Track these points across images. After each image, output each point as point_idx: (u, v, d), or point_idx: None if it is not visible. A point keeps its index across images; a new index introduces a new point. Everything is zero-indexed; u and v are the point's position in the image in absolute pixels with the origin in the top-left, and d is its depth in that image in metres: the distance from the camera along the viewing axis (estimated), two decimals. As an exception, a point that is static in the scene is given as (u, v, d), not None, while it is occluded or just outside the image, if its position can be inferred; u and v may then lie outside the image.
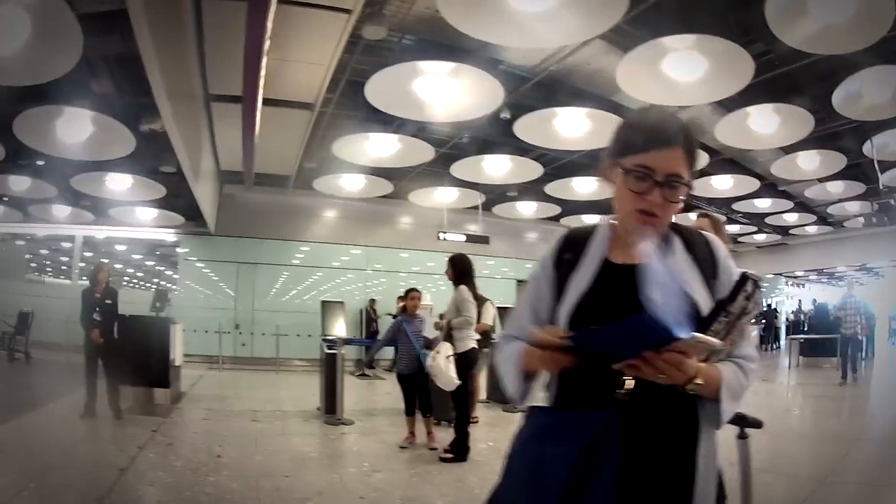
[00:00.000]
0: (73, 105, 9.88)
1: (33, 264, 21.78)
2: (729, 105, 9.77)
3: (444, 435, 7.51)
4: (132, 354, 9.09)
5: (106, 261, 16.42)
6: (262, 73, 7.59)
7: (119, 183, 14.08)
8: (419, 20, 8.42)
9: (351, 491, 5.72)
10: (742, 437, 3.40)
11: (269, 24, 6.42)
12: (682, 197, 1.66)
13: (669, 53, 7.65)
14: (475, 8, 6.51)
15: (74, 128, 10.29)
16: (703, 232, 1.85)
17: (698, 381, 1.52)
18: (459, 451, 6.89)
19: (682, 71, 7.86)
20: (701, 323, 1.56)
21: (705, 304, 1.64)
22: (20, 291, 18.77)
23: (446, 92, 8.79)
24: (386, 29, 8.18)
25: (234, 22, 6.69)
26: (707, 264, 1.74)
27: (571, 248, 1.82)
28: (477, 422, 8.51)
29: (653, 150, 1.62)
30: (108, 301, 8.79)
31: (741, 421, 3.21)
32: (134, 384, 9.39)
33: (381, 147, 11.83)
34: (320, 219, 18.69)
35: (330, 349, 9.53)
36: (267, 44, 6.90)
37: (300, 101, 10.32)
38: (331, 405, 9.10)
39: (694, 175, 1.68)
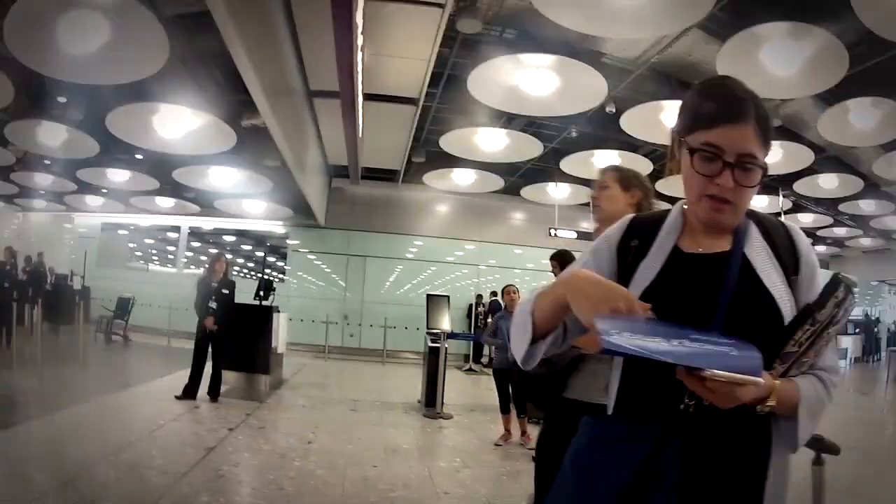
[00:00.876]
0: (169, 102, 10.30)
1: (138, 252, 22.69)
2: (828, 98, 9.21)
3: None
4: (235, 341, 9.31)
5: (223, 252, 17.09)
6: (358, 68, 7.64)
7: (223, 176, 14.55)
8: (513, 13, 8.37)
9: (437, 485, 5.69)
10: (818, 462, 2.92)
11: (359, 21, 6.46)
12: (757, 181, 1.46)
13: (764, 43, 7.30)
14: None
15: (172, 123, 10.72)
16: (784, 221, 1.63)
17: (770, 402, 1.32)
18: None
19: (779, 61, 7.49)
20: (783, 331, 1.39)
21: (786, 305, 1.44)
22: (122, 278, 19.54)
23: (549, 85, 8.64)
24: (481, 22, 8.12)
25: (325, 19, 6.71)
26: (788, 258, 1.53)
27: (638, 235, 1.63)
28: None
29: (721, 126, 1.43)
30: (225, 290, 9.04)
31: (817, 444, 2.76)
32: (235, 369, 9.63)
33: (490, 142, 11.79)
34: (432, 213, 18.74)
35: (433, 343, 9.56)
36: (360, 40, 6.97)
37: (403, 95, 10.32)
38: (431, 398, 9.14)
39: (767, 154, 1.49)
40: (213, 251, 15.60)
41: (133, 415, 7.78)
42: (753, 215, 1.58)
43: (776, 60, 7.48)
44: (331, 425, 7.98)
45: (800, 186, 13.51)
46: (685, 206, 1.61)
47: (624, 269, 1.60)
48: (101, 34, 7.40)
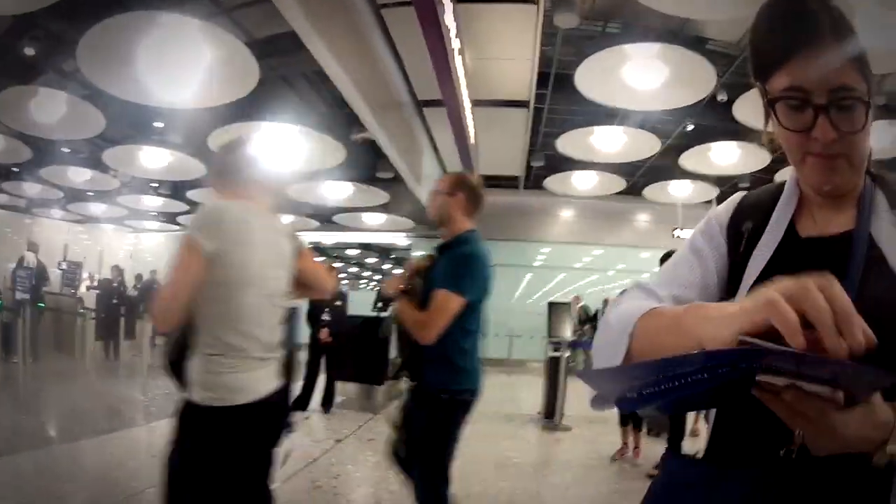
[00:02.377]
0: (269, 121, 10.53)
1: None
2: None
3: (661, 448, 6.94)
4: (352, 352, 9.36)
5: (336, 265, 17.33)
6: (458, 73, 7.56)
7: (338, 190, 14.80)
8: (609, 3, 8.14)
9: (541, 503, 5.48)
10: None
11: (450, 24, 6.36)
12: (863, 121, 1.09)
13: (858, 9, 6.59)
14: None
15: (275, 141, 10.86)
16: None
17: (892, 446, 0.88)
18: None
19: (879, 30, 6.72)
20: None
21: None
22: None
23: (657, 77, 8.29)
24: (578, 16, 7.83)
25: (418, 27, 6.67)
26: None
27: (751, 216, 1.29)
28: (697, 435, 7.49)
29: (796, 58, 1.08)
30: (338, 302, 9.10)
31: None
32: (351, 381, 9.73)
33: (607, 141, 11.41)
34: (556, 219, 18.48)
35: (554, 352, 9.31)
36: (456, 44, 6.87)
37: (513, 99, 10.19)
38: (550, 410, 8.91)
39: (873, 83, 1.11)
40: (333, 265, 16.09)
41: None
42: (880, 178, 1.23)
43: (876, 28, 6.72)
44: None
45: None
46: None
47: (736, 259, 1.27)
48: (184, 60, 7.63)
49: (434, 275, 3.22)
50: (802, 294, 0.79)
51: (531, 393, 11.07)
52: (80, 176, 15.10)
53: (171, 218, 21.21)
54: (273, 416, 2.62)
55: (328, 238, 21.03)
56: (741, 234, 1.28)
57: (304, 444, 7.01)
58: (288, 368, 2.71)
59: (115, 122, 11.04)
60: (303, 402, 8.68)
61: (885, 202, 1.18)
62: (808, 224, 1.23)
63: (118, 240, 23.07)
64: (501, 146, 12.59)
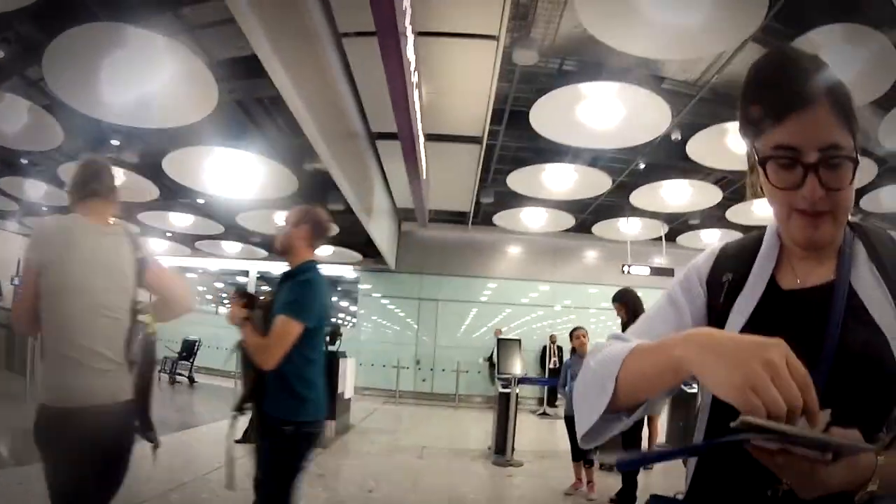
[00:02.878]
0: (224, 146, 10.40)
1: (208, 296, 23.27)
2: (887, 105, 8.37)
3: (613, 482, 6.99)
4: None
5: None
6: (415, 107, 7.51)
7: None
8: (568, 41, 8.17)
9: (497, 539, 5.44)
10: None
11: (411, 57, 6.35)
12: (850, 177, 1.13)
13: (819, 49, 6.52)
14: (618, 19, 6.10)
15: (227, 168, 10.81)
16: (892, 231, 1.26)
17: (872, 487, 0.96)
18: (626, 500, 6.36)
19: (840, 67, 6.90)
20: (893, 385, 1.04)
21: None
22: (189, 321, 19.86)
23: (612, 115, 8.34)
24: (537, 53, 7.92)
25: (378, 59, 6.58)
26: None
27: (732, 267, 1.31)
28: (651, 468, 7.63)
29: (789, 118, 1.11)
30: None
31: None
32: None
33: (558, 179, 11.45)
34: (504, 255, 18.53)
35: (504, 388, 9.31)
36: (414, 77, 6.86)
37: (466, 134, 10.16)
38: (501, 445, 8.88)
39: (859, 139, 1.15)
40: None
41: (188, 456, 7.72)
42: (858, 228, 1.27)
43: (834, 65, 6.94)
44: (395, 473, 7.78)
45: (867, 203, 11.92)
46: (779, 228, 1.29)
47: (714, 309, 1.30)
48: (146, 78, 7.51)
49: (276, 302, 3.34)
50: (760, 385, 0.88)
51: (479, 428, 11.05)
52: (36, 189, 14.82)
53: None
54: (113, 423, 2.69)
55: (275, 268, 20.66)
56: (721, 286, 1.30)
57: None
58: (144, 383, 2.91)
59: (73, 136, 10.79)
60: (248, 434, 8.43)
61: (864, 253, 1.21)
62: (788, 276, 1.25)
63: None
64: (452, 181, 12.57)
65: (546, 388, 15.90)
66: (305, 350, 3.29)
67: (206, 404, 13.66)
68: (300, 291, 3.30)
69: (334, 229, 3.74)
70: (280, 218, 14.23)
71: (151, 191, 13.20)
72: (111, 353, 2.68)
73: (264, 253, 19.31)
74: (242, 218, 15.01)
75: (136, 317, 2.82)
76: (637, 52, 6.72)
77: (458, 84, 8.50)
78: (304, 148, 9.82)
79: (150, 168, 12.14)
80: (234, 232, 17.29)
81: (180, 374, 16.43)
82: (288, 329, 3.18)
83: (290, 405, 3.38)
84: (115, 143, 11.78)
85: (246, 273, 21.40)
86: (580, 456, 7.01)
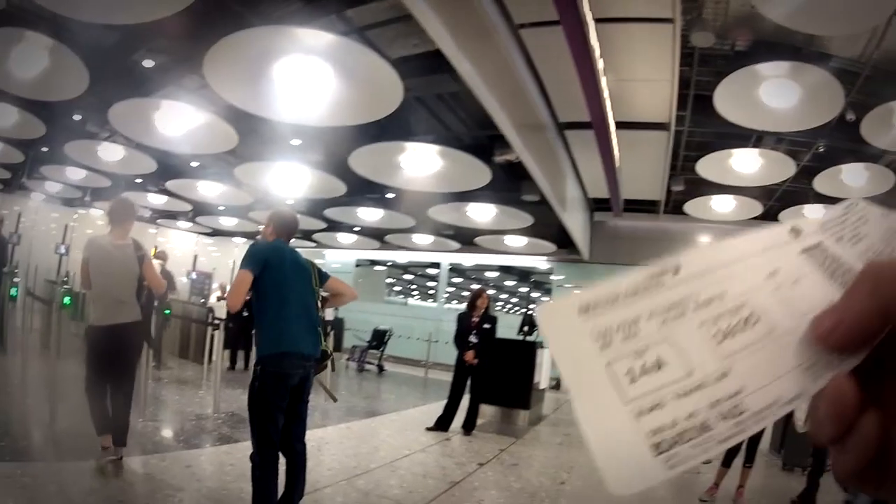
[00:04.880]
0: (414, 140, 10.73)
1: (397, 288, 24.14)
2: None
3: (796, 484, 6.69)
4: (496, 376, 9.37)
5: (485, 288, 17.25)
6: (604, 94, 7.81)
7: (482, 213, 14.93)
8: (738, 20, 8.01)
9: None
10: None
11: (595, 44, 6.67)
12: None
13: None
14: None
15: (420, 161, 11.14)
16: None
17: None
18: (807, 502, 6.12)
19: None
20: None
21: None
22: (379, 311, 20.68)
23: (789, 96, 8.28)
24: (713, 34, 7.92)
25: (558, 49, 6.95)
26: None
27: None
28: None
29: None
30: (487, 325, 9.10)
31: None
32: (494, 404, 9.74)
33: (745, 164, 11.28)
34: (695, 244, 18.11)
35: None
36: (601, 64, 7.16)
37: (653, 121, 10.27)
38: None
39: None
40: (475, 287, 15.65)
41: (377, 443, 7.88)
42: None
43: None
44: (587, 467, 6.92)
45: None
46: None
47: None
48: (328, 79, 7.86)
49: None
50: None
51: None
52: (210, 190, 16.05)
53: (306, 235, 21.65)
54: (131, 332, 5.40)
55: (467, 260, 21.37)
56: None
57: (445, 465, 7.17)
58: (146, 312, 6.01)
59: (248, 138, 11.43)
60: (444, 423, 8.83)
61: None
62: None
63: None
64: (642, 170, 12.63)
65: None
66: (258, 297, 4.26)
67: (393, 392, 13.81)
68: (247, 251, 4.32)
69: (294, 225, 4.75)
70: (472, 210, 14.78)
71: (336, 187, 13.89)
72: (125, 298, 5.30)
73: (456, 245, 19.71)
74: (435, 211, 15.34)
75: (142, 282, 5.42)
76: (797, 26, 6.78)
77: (640, 70, 8.70)
78: (494, 139, 10.12)
79: (336, 165, 12.69)
80: (426, 225, 17.71)
81: (369, 363, 16.89)
82: (240, 278, 4.16)
83: (259, 345, 4.46)
84: (295, 142, 12.43)
85: (437, 265, 21.85)
86: (730, 461, 6.32)
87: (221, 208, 19.21)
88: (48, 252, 19.53)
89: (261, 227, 5.07)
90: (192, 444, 6.67)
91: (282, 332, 4.20)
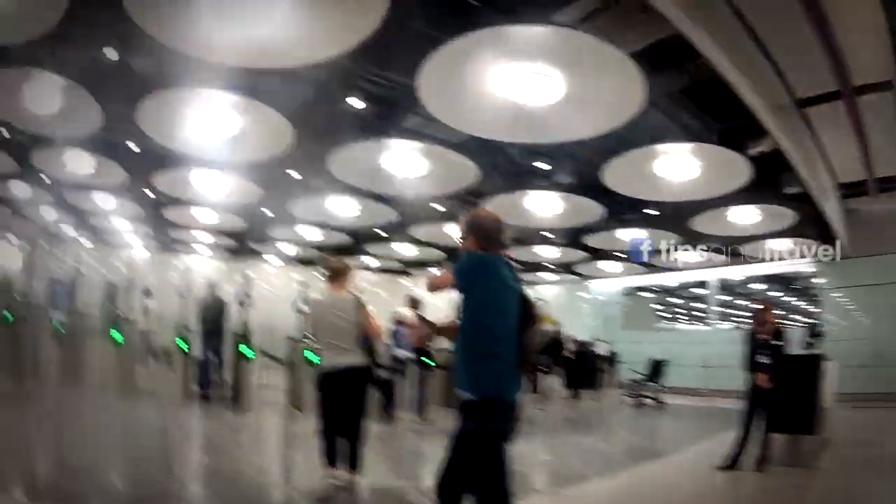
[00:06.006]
0: (662, 142, 10.18)
1: (665, 314, 23.37)
2: None
3: None
4: (783, 397, 7.75)
5: (771, 300, 15.52)
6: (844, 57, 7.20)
7: (743, 216, 13.95)
8: None
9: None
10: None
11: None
12: None
13: None
14: None
15: (674, 166, 10.58)
16: None
17: None
18: None
19: None
20: None
21: None
22: (648, 340, 20.02)
23: None
24: None
25: (795, 19, 6.49)
26: None
27: None
28: None
29: None
30: (777, 342, 7.72)
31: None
32: (781, 431, 8.13)
33: None
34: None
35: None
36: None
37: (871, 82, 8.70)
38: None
39: None
40: (755, 303, 14.40)
41: (665, 489, 6.93)
42: None
43: None
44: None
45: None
46: None
47: None
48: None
49: None
50: None
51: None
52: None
53: (566, 268, 21.28)
54: (357, 375, 5.80)
55: (731, 273, 20.03)
56: None
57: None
58: (370, 357, 6.04)
59: (485, 170, 11.11)
60: (734, 460, 7.52)
61: None
62: None
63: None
64: (887, 140, 10.73)
65: None
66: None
67: (674, 427, 12.82)
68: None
69: (501, 230, 3.79)
70: (733, 214, 13.72)
71: (592, 210, 13.21)
72: (347, 345, 5.72)
73: (721, 258, 18.05)
74: (697, 222, 14.49)
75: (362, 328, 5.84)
76: None
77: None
78: (743, 129, 9.39)
79: (587, 187, 12.11)
80: (689, 239, 16.37)
81: (647, 397, 15.59)
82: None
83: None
84: (543, 166, 11.65)
85: (703, 284, 20.73)
86: None
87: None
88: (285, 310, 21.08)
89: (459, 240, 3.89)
90: None
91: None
